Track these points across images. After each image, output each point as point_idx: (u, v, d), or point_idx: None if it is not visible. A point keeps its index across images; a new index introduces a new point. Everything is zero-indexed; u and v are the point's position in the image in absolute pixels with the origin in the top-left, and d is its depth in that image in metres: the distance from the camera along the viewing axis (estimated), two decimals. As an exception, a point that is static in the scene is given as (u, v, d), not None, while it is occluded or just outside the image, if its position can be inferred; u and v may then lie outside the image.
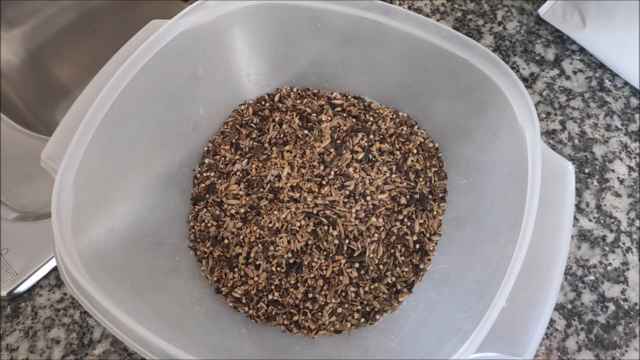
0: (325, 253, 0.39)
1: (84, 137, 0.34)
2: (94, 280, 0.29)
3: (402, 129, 0.44)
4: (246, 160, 0.43)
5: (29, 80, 0.68)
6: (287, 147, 0.43)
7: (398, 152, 0.43)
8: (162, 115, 0.41)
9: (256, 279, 0.39)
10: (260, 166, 0.43)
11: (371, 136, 0.43)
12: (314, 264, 0.39)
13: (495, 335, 0.28)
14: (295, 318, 0.38)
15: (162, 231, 0.40)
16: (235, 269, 0.40)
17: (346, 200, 0.40)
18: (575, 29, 0.51)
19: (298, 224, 0.40)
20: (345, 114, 0.45)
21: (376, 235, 0.39)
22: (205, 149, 0.45)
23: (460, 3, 0.57)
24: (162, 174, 0.42)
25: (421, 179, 0.42)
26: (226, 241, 0.41)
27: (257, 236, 0.40)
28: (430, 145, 0.44)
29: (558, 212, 0.31)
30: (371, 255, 0.39)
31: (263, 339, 0.38)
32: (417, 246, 0.40)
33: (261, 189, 0.42)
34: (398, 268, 0.39)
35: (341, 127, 0.44)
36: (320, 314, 0.38)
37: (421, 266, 0.40)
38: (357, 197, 0.40)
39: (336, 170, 0.42)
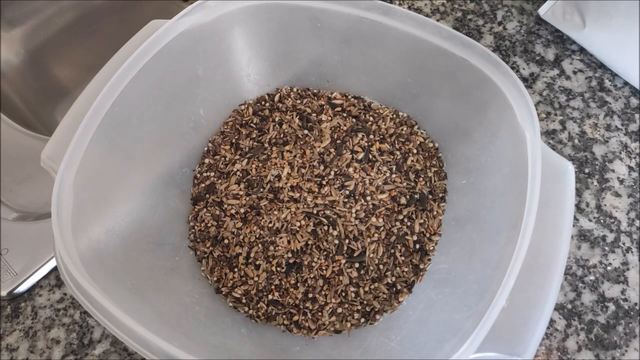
0: (325, 253, 0.39)
1: (84, 137, 0.34)
2: (94, 280, 0.29)
3: (402, 129, 0.44)
4: (246, 160, 0.43)
5: (29, 80, 0.68)
6: (287, 147, 0.43)
7: (398, 152, 0.43)
8: (162, 115, 0.41)
9: (256, 279, 0.39)
10: (260, 166, 0.43)
11: (371, 136, 0.43)
12: (314, 264, 0.39)
13: (495, 335, 0.28)
14: (295, 318, 0.38)
15: (162, 231, 0.40)
16: (235, 269, 0.40)
17: (346, 200, 0.40)
18: (575, 29, 0.51)
19: (298, 224, 0.40)
20: (345, 114, 0.45)
21: (376, 235, 0.39)
22: (205, 149, 0.45)
23: (460, 3, 0.57)
24: (162, 174, 0.42)
25: (421, 179, 0.42)
26: (226, 241, 0.41)
27: (257, 236, 0.40)
28: (430, 145, 0.44)
29: (558, 212, 0.31)
30: (371, 255, 0.39)
31: (263, 339, 0.38)
32: (417, 246, 0.40)
33: (261, 189, 0.42)
34: (398, 268, 0.39)
35: (341, 127, 0.44)
36: (320, 314, 0.38)
37: (421, 266, 0.40)
38: (357, 197, 0.40)
39: (336, 170, 0.42)
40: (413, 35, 0.38)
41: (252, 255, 0.40)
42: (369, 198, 0.40)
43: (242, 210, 0.41)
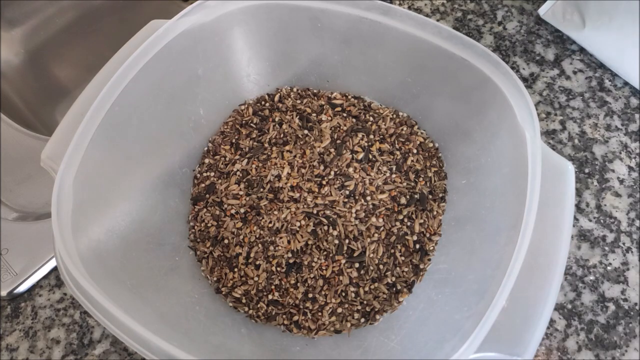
0: (325, 253, 0.39)
1: (84, 137, 0.34)
2: (94, 280, 0.29)
3: (402, 129, 0.44)
4: (246, 160, 0.43)
5: (29, 80, 0.68)
6: (287, 147, 0.43)
7: (398, 152, 0.43)
8: (162, 115, 0.41)
9: (256, 279, 0.39)
10: (260, 166, 0.43)
11: (371, 136, 0.43)
12: (314, 264, 0.39)
13: (495, 335, 0.28)
14: (295, 318, 0.38)
15: (162, 231, 0.40)
16: (235, 269, 0.40)
17: (346, 200, 0.40)
18: (575, 29, 0.51)
19: (298, 224, 0.40)
20: (345, 114, 0.45)
21: (376, 235, 0.39)
22: (205, 149, 0.45)
23: (460, 3, 0.57)
24: (162, 174, 0.42)
25: (421, 179, 0.42)
26: (226, 241, 0.41)
27: (257, 236, 0.40)
28: (430, 145, 0.44)
29: (558, 212, 0.31)
30: (371, 255, 0.39)
31: (263, 339, 0.38)
32: (417, 246, 0.40)
33: (261, 189, 0.42)
34: (398, 268, 0.39)
35: (341, 127, 0.44)
36: (320, 314, 0.38)
37: (421, 266, 0.40)
38: (357, 197, 0.40)
39: (336, 170, 0.42)
40: (413, 35, 0.38)
41: (252, 255, 0.40)
42: (369, 198, 0.40)
43: (242, 210, 0.41)
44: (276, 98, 0.47)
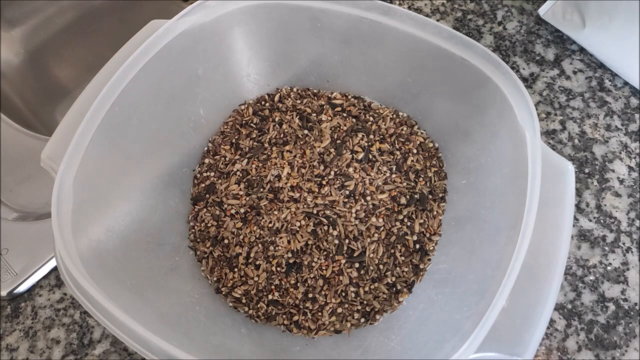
0: (325, 253, 0.39)
1: (84, 137, 0.34)
2: (94, 280, 0.29)
3: (402, 129, 0.44)
4: (246, 160, 0.43)
5: (29, 80, 0.68)
6: (287, 147, 0.43)
7: (398, 152, 0.43)
8: (162, 115, 0.41)
9: (256, 279, 0.39)
10: (260, 166, 0.43)
11: (371, 136, 0.43)
12: (314, 264, 0.39)
13: (495, 335, 0.28)
14: (295, 318, 0.38)
15: (162, 231, 0.40)
16: (235, 269, 0.40)
17: (346, 200, 0.40)
18: (575, 29, 0.51)
19: (298, 224, 0.40)
20: (345, 114, 0.45)
21: (376, 235, 0.39)
22: (205, 149, 0.45)
23: (460, 3, 0.57)
24: (162, 174, 0.42)
25: (421, 179, 0.42)
26: (226, 241, 0.41)
27: (257, 236, 0.40)
28: (430, 145, 0.44)
29: (558, 212, 0.31)
30: (371, 255, 0.39)
31: (263, 339, 0.38)
32: (417, 246, 0.40)
33: (261, 189, 0.42)
34: (398, 268, 0.39)
35: (341, 127, 0.44)
36: (320, 314, 0.38)
37: (421, 266, 0.40)
38: (357, 197, 0.40)
39: (336, 170, 0.42)
40: (413, 35, 0.38)
41: (252, 255, 0.40)
42: (369, 198, 0.40)
43: (242, 210, 0.41)
44: (276, 98, 0.47)
